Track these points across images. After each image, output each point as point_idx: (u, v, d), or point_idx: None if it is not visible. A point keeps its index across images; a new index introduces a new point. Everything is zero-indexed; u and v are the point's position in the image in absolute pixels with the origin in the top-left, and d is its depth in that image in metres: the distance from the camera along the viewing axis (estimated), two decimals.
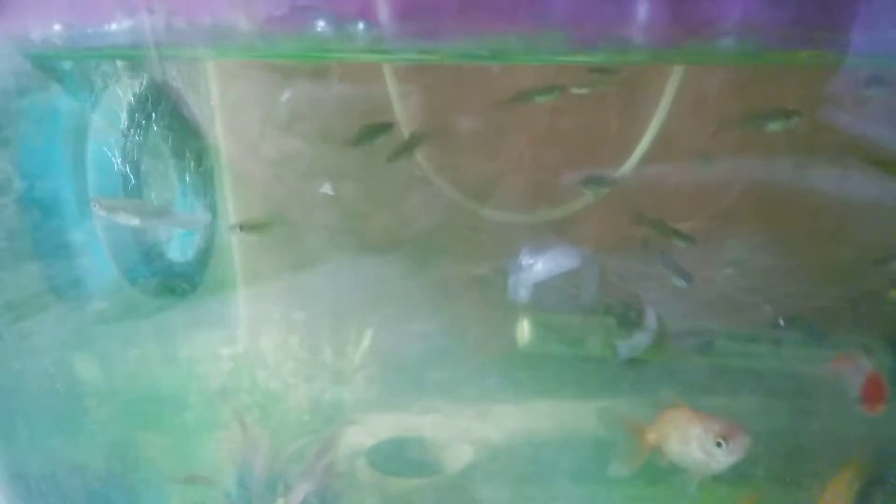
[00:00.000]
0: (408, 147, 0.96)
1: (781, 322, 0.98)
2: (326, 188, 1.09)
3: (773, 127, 0.82)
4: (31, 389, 0.77)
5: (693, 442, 0.76)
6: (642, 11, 0.72)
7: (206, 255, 1.01)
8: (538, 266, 1.14)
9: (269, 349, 1.16)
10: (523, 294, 1.16)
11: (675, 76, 0.95)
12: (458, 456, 1.11)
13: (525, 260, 1.14)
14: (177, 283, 0.97)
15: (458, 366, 1.18)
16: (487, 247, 1.19)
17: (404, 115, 1.05)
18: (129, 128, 0.88)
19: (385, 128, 0.94)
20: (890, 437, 0.91)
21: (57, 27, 0.79)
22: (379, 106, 1.04)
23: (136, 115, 0.89)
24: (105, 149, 0.86)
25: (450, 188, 1.12)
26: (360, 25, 0.83)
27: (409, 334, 1.21)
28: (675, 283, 0.94)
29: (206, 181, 1.02)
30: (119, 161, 0.87)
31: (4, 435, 0.71)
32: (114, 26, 0.79)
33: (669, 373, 1.12)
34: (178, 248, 0.97)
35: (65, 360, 0.83)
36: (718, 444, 0.76)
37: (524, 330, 1.21)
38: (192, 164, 1.00)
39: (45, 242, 0.79)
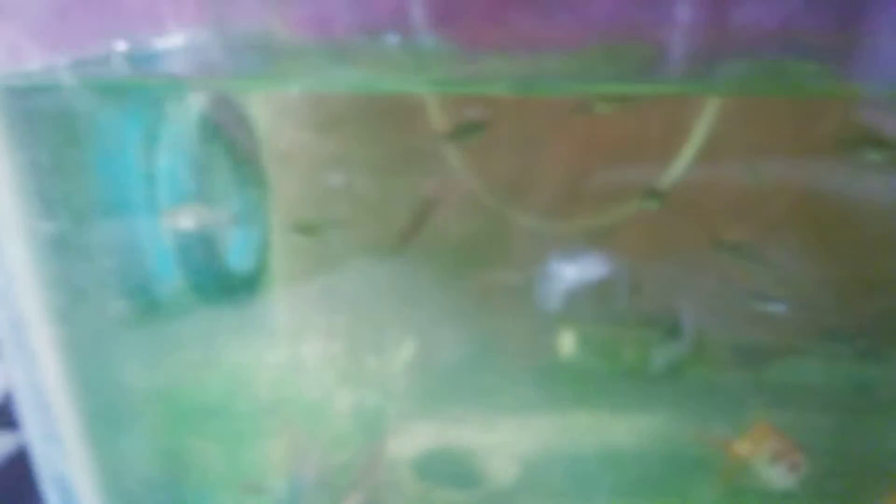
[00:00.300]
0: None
1: (861, 345, 0.98)
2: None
3: (872, 157, 0.82)
4: (113, 396, 0.79)
5: (757, 460, 0.78)
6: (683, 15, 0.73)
7: (262, 262, 1.03)
8: (567, 275, 1.14)
9: (307, 356, 1.18)
10: (552, 304, 1.16)
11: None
12: (504, 469, 1.12)
13: (553, 269, 1.15)
14: (237, 290, 0.99)
15: (497, 377, 1.19)
16: (525, 255, 1.19)
17: (440, 118, 1.05)
18: (195, 143, 0.90)
19: (478, 127, 0.93)
20: None
21: (121, 47, 0.81)
22: (411, 109, 1.05)
23: (201, 130, 0.91)
24: (174, 163, 0.88)
25: (487, 194, 1.13)
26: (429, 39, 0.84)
27: (445, 344, 1.22)
28: (773, 309, 0.94)
29: (260, 191, 1.04)
30: (187, 174, 0.88)
31: (98, 443, 0.73)
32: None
33: (710, 386, 1.12)
34: (238, 256, 0.99)
35: (134, 365, 0.85)
36: (775, 464, 0.77)
37: (565, 342, 1.22)
38: (248, 175, 1.02)
39: (121, 255, 0.81)
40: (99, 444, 0.74)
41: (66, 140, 0.69)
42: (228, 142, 0.97)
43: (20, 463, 1.57)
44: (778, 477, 0.77)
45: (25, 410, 0.72)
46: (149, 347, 0.82)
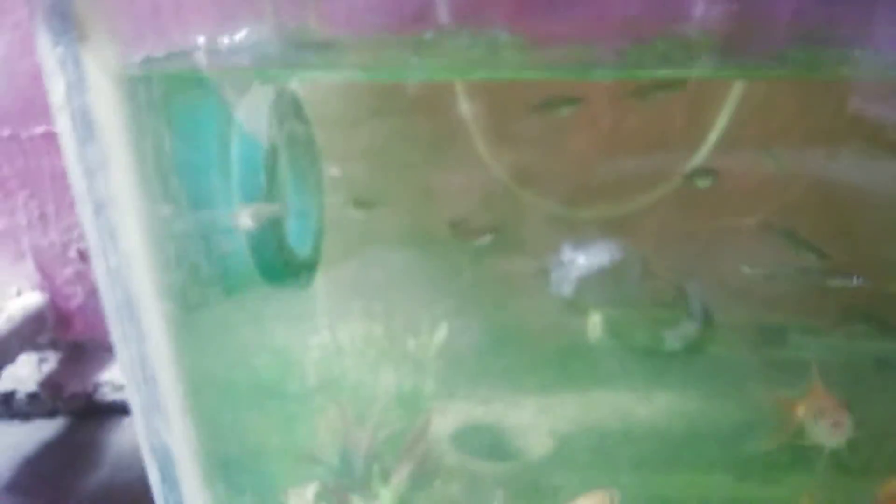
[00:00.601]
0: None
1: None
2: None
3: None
4: (210, 371, 0.84)
5: (806, 418, 0.84)
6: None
7: (319, 244, 1.09)
8: (580, 261, 1.19)
9: (344, 338, 1.23)
10: (566, 289, 1.21)
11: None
12: (539, 443, 1.19)
13: (567, 255, 1.19)
14: (299, 273, 1.05)
15: (522, 358, 1.24)
16: (548, 240, 1.24)
17: (471, 107, 1.09)
18: (265, 130, 0.95)
19: (571, 101, 0.95)
20: None
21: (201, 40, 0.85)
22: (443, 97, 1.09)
23: (271, 118, 0.96)
24: (246, 150, 0.92)
25: (513, 183, 1.18)
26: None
27: (473, 326, 1.28)
28: (855, 283, 0.96)
29: (316, 178, 1.09)
30: (260, 162, 0.93)
31: (197, 414, 0.78)
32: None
33: (724, 364, 1.17)
34: (298, 239, 1.04)
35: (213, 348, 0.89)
36: (819, 421, 0.83)
37: (594, 325, 1.26)
38: (307, 162, 1.07)
39: (202, 241, 0.85)
40: (198, 415, 0.78)
41: (173, 126, 0.73)
42: (290, 133, 1.01)
43: (60, 450, 1.60)
44: (822, 434, 0.83)
45: (131, 385, 0.76)
46: (238, 325, 0.87)
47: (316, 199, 1.08)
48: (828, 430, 0.82)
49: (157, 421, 0.77)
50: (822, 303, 1.08)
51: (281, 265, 0.99)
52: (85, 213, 0.68)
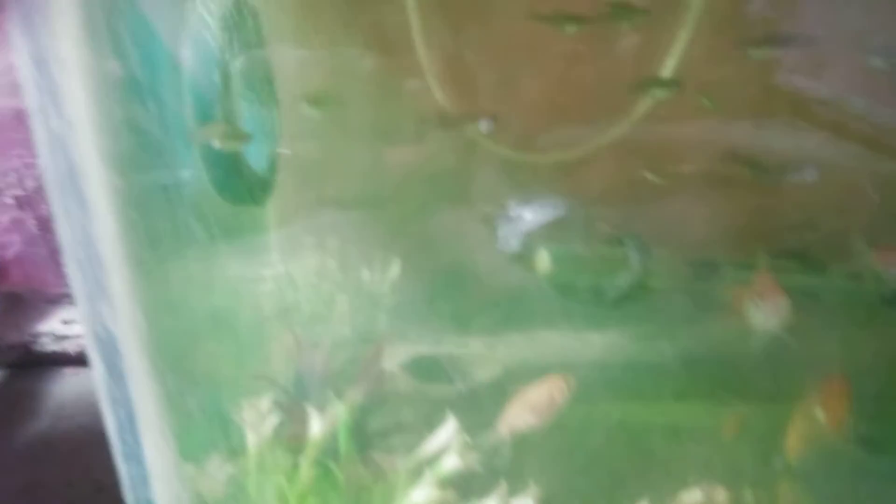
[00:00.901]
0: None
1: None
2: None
3: None
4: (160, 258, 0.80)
5: (748, 303, 0.85)
6: None
7: (274, 163, 1.06)
8: (526, 216, 1.21)
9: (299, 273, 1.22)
10: (514, 244, 1.23)
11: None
12: (486, 371, 1.20)
13: (513, 211, 1.21)
14: (255, 190, 1.02)
15: (468, 300, 1.25)
16: (498, 186, 1.26)
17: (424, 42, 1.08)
18: (218, 47, 0.92)
19: (579, 20, 0.94)
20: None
21: None
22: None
23: (223, 33, 0.93)
24: (197, 67, 0.89)
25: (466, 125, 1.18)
26: None
27: (423, 269, 1.29)
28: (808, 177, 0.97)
29: (270, 95, 1.07)
30: (212, 81, 0.89)
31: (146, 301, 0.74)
32: None
33: (663, 304, 1.20)
34: (254, 157, 1.02)
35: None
36: (759, 304, 0.84)
37: (543, 260, 1.27)
38: (260, 78, 1.05)
39: (154, 106, 0.80)
40: (146, 302, 0.75)
41: None
42: (245, 43, 0.98)
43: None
44: (761, 316, 0.84)
45: (73, 266, 0.72)
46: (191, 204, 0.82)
47: (271, 111, 1.05)
48: (766, 312, 0.83)
49: (102, 306, 0.73)
50: (752, 241, 1.12)
51: (236, 181, 0.96)
52: (25, 66, 0.64)
